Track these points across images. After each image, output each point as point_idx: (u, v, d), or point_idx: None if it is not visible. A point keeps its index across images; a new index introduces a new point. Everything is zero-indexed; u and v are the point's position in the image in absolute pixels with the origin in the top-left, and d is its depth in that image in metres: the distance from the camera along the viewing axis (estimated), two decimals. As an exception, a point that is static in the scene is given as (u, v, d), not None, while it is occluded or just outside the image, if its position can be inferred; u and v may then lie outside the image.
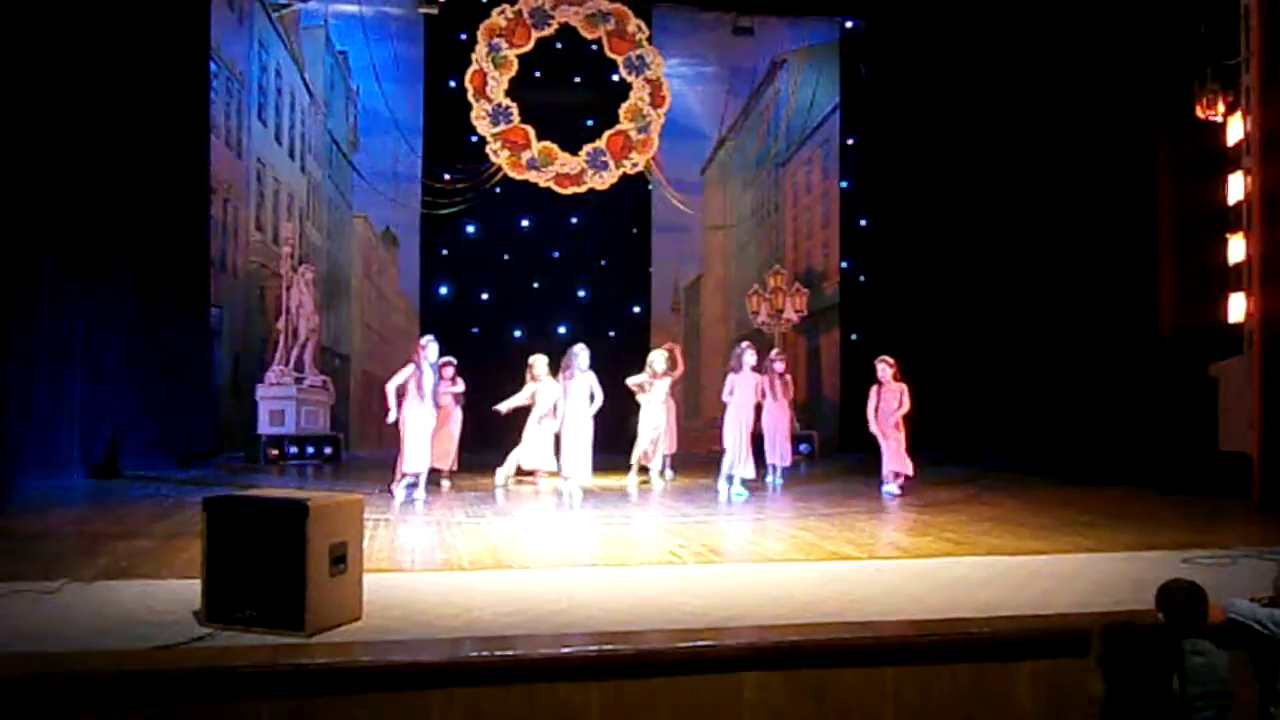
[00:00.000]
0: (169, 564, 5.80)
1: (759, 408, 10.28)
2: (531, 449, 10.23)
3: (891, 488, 9.65)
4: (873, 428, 9.84)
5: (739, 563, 6.32)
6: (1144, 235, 10.17)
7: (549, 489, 10.01)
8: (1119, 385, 10.43)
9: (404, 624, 4.51)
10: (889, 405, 9.76)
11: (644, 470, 10.68)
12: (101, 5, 10.14)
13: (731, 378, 10.12)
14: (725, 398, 10.11)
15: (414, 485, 9.09)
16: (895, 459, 9.72)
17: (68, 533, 7.17)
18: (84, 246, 10.22)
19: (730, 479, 9.78)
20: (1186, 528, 7.37)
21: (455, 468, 10.23)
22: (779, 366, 10.73)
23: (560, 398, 9.74)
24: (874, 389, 9.90)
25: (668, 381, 10.77)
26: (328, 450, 12.96)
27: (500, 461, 10.44)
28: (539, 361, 10.36)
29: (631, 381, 10.68)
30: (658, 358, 10.82)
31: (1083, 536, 7.01)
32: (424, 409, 9.14)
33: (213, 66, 12.50)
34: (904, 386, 9.81)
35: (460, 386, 10.14)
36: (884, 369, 9.87)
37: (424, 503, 8.89)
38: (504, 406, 10.37)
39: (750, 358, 10.14)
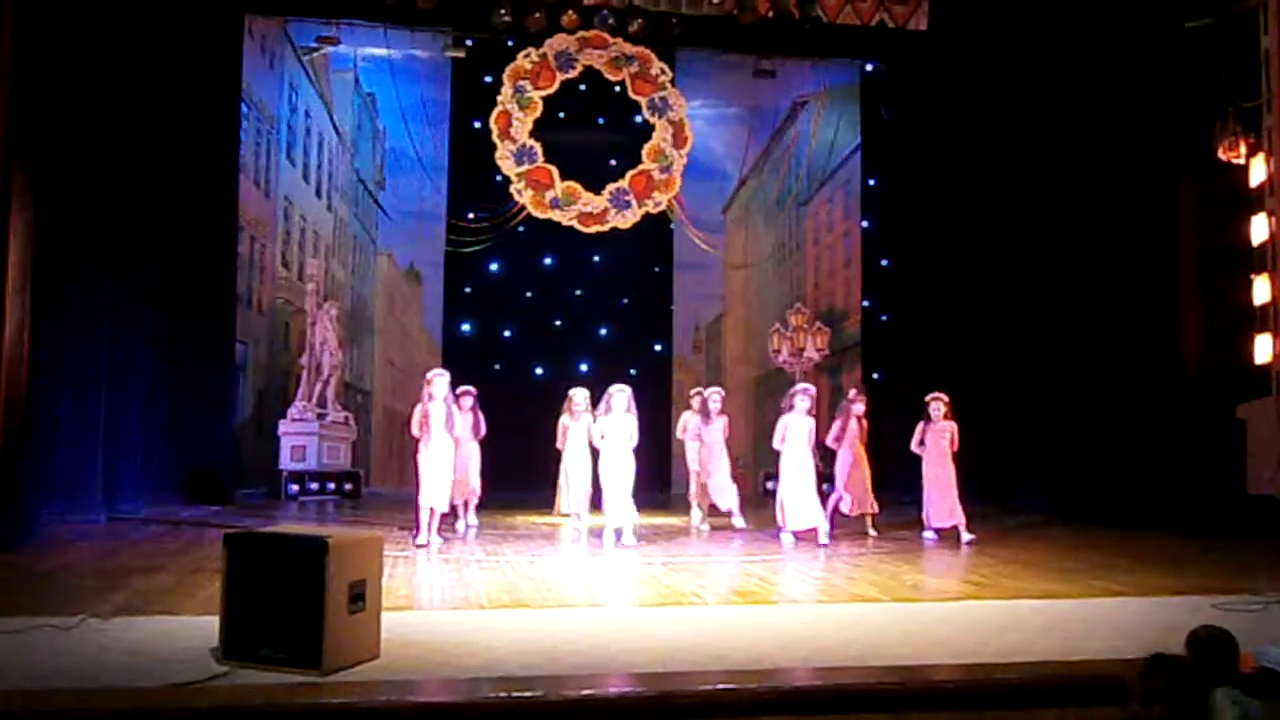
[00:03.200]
0: (188, 600, 5.81)
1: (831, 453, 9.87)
2: (572, 489, 9.69)
3: (930, 534, 9.39)
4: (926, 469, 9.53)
5: (761, 605, 6.25)
6: (1167, 276, 10.10)
7: (580, 528, 9.51)
8: (1145, 427, 10.30)
9: (422, 663, 4.49)
10: (937, 444, 9.48)
11: (713, 509, 10.42)
12: (137, 48, 10.35)
13: (785, 419, 9.44)
14: (777, 445, 9.43)
15: (432, 523, 9.01)
16: (939, 509, 9.33)
17: (88, 568, 7.18)
18: (112, 281, 10.33)
19: (793, 535, 9.13)
20: (1215, 572, 7.25)
21: (476, 503, 10.04)
22: (858, 409, 9.88)
23: (596, 437, 9.32)
24: (921, 424, 9.61)
25: (724, 420, 10.62)
26: (348, 486, 13.00)
27: (518, 497, 10.29)
28: (579, 395, 9.66)
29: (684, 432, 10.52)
30: (713, 396, 10.68)
31: (1110, 580, 6.90)
32: (436, 445, 9.05)
33: (244, 108, 12.74)
34: (953, 425, 9.54)
35: (483, 429, 9.99)
36: (937, 406, 9.52)
37: (443, 540, 8.84)
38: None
39: (802, 401, 9.48)
